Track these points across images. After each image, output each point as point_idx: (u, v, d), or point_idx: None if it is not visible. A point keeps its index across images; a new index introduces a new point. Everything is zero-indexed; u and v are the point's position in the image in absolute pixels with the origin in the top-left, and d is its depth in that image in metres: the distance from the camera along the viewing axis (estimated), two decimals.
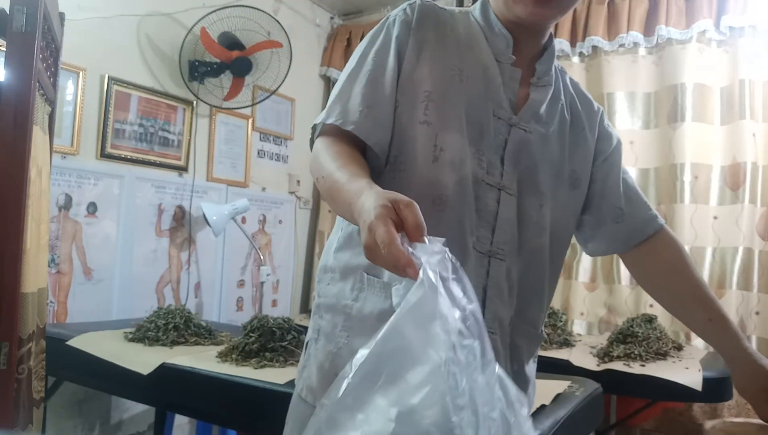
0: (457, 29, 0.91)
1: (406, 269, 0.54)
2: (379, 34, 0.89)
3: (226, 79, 2.78)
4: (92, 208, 2.38)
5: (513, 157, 0.86)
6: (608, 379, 1.80)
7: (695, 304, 0.95)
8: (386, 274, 0.83)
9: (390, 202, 0.59)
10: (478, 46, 0.89)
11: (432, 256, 0.55)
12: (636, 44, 2.71)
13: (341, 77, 0.88)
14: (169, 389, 1.64)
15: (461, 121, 0.84)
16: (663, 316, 2.47)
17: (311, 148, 0.87)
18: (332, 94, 0.87)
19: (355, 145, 0.82)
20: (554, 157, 0.91)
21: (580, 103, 0.98)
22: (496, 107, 0.86)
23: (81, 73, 2.32)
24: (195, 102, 2.76)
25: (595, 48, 2.79)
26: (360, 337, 0.82)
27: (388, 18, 0.91)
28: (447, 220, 0.81)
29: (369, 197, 0.63)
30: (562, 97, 0.94)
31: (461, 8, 0.96)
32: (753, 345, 2.36)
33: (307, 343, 0.93)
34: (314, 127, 0.87)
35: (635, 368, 1.86)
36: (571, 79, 1.00)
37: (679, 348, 2.14)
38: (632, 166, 2.68)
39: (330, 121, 0.82)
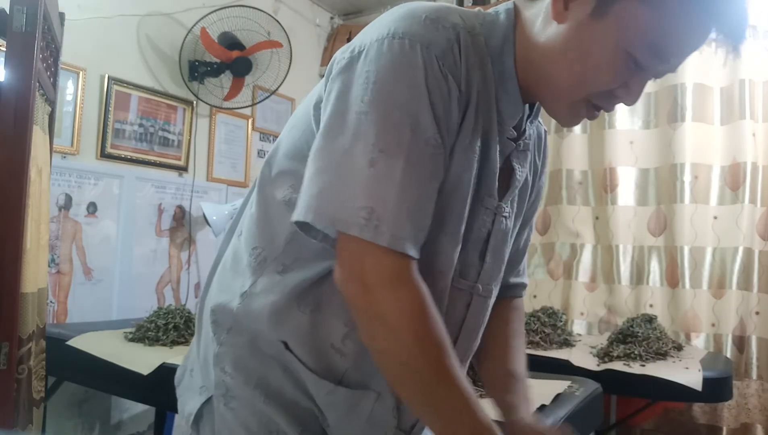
0: (478, 79, 0.67)
1: None
2: (411, 83, 0.61)
3: (226, 79, 2.77)
4: (92, 208, 2.38)
5: (494, 250, 0.77)
6: (608, 379, 1.79)
7: (506, 354, 0.88)
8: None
9: None
10: (488, 112, 0.69)
11: None
12: None
13: (358, 151, 0.60)
14: (169, 389, 1.62)
15: (460, 218, 0.70)
16: (663, 317, 2.47)
17: (346, 265, 0.63)
18: (359, 183, 0.60)
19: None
20: (519, 212, 0.84)
21: (539, 146, 0.86)
22: (487, 196, 0.72)
23: (81, 73, 2.32)
24: (195, 102, 2.76)
25: None
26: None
27: (416, 48, 0.61)
28: None
29: None
30: (532, 147, 0.83)
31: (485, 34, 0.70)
32: (753, 345, 2.37)
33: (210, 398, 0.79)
34: (366, 244, 0.60)
35: (635, 368, 1.85)
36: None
37: (679, 348, 2.14)
38: (632, 166, 2.67)
39: (382, 243, 0.60)
